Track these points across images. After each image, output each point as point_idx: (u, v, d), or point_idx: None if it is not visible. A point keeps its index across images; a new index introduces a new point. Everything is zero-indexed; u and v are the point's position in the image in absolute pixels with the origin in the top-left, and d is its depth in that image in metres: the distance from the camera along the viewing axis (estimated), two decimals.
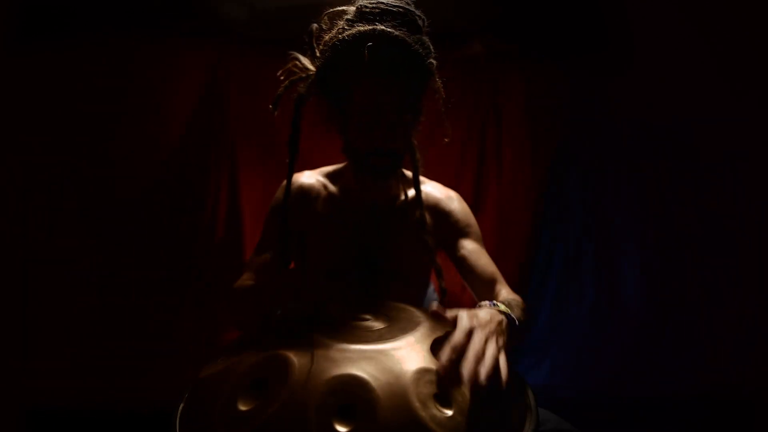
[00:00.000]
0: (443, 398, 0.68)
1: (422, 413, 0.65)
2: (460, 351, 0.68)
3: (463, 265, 1.21)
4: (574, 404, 1.93)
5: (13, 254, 1.86)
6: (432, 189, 1.29)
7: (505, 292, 1.14)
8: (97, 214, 1.97)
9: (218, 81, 2.06)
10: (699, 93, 1.94)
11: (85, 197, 1.96)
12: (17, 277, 1.87)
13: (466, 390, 0.68)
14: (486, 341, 0.71)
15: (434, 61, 1.07)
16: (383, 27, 0.98)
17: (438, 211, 1.26)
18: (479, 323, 0.73)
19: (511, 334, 0.82)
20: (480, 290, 1.18)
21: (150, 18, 1.91)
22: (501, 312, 0.83)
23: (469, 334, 0.71)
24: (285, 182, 1.18)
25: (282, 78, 1.14)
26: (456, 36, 2.06)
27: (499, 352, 0.71)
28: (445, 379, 0.68)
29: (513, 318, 0.87)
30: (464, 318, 0.74)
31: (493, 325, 0.75)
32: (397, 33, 0.98)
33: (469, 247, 1.23)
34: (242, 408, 0.68)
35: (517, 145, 2.22)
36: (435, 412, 0.66)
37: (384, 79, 1.02)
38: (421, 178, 1.25)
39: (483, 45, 2.12)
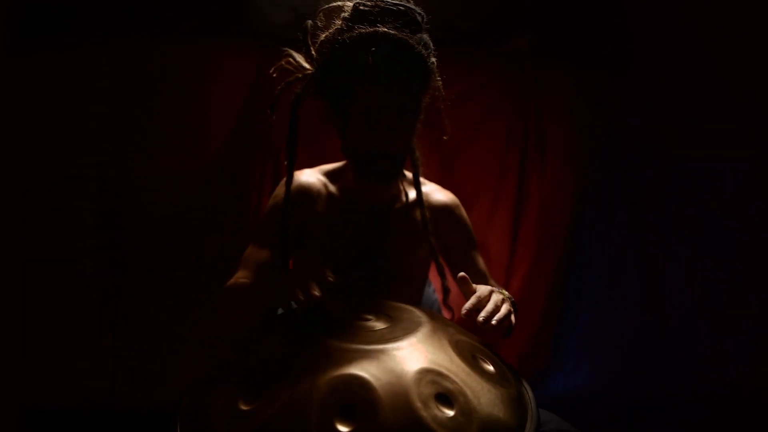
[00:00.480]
0: (445, 398, 0.68)
1: (423, 413, 0.65)
2: (483, 302, 0.88)
3: (457, 269, 1.25)
4: (574, 404, 1.95)
5: (13, 254, 1.86)
6: (433, 191, 1.29)
7: None
8: (110, 215, 1.95)
9: (263, 82, 2.04)
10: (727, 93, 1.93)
11: (98, 198, 1.94)
12: (18, 277, 1.87)
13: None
14: (502, 301, 0.91)
15: (435, 59, 1.06)
16: (385, 29, 0.96)
17: (441, 215, 1.26)
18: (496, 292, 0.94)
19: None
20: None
21: (194, 19, 1.92)
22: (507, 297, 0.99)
23: (490, 294, 0.91)
24: (284, 182, 1.18)
25: (275, 75, 1.13)
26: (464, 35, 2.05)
27: (509, 313, 0.90)
28: (466, 321, 0.87)
29: (515, 302, 1.00)
30: (485, 286, 0.94)
31: (505, 297, 0.95)
32: (399, 35, 0.96)
33: (469, 255, 1.28)
34: (243, 408, 0.68)
35: (559, 141, 2.21)
36: (436, 412, 0.66)
37: (385, 81, 1.00)
38: (421, 179, 1.25)
39: (525, 40, 2.11)
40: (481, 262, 1.30)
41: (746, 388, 1.94)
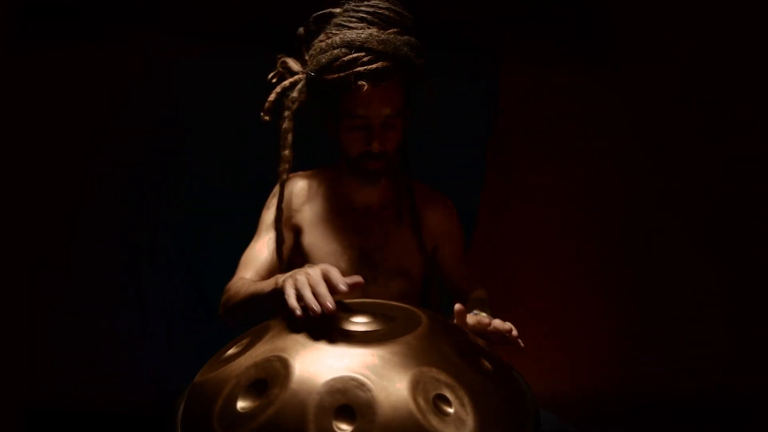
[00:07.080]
0: (443, 399, 0.68)
1: (422, 414, 0.65)
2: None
3: (444, 266, 1.33)
4: (574, 404, 1.95)
5: (15, 254, 1.86)
6: (426, 193, 1.31)
7: (476, 288, 1.31)
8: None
9: None
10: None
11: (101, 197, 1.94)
12: (20, 277, 1.87)
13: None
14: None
15: (423, 60, 1.08)
16: (370, 32, 1.00)
17: (431, 213, 1.29)
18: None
19: None
20: (454, 286, 1.33)
21: None
22: None
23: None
24: (278, 186, 1.20)
25: (274, 81, 1.16)
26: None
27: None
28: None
29: None
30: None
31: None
32: (383, 37, 1.00)
33: (452, 251, 1.32)
34: (241, 409, 0.68)
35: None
36: (435, 412, 0.66)
37: (371, 84, 1.03)
38: (415, 181, 1.28)
39: None
40: (461, 262, 1.35)
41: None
